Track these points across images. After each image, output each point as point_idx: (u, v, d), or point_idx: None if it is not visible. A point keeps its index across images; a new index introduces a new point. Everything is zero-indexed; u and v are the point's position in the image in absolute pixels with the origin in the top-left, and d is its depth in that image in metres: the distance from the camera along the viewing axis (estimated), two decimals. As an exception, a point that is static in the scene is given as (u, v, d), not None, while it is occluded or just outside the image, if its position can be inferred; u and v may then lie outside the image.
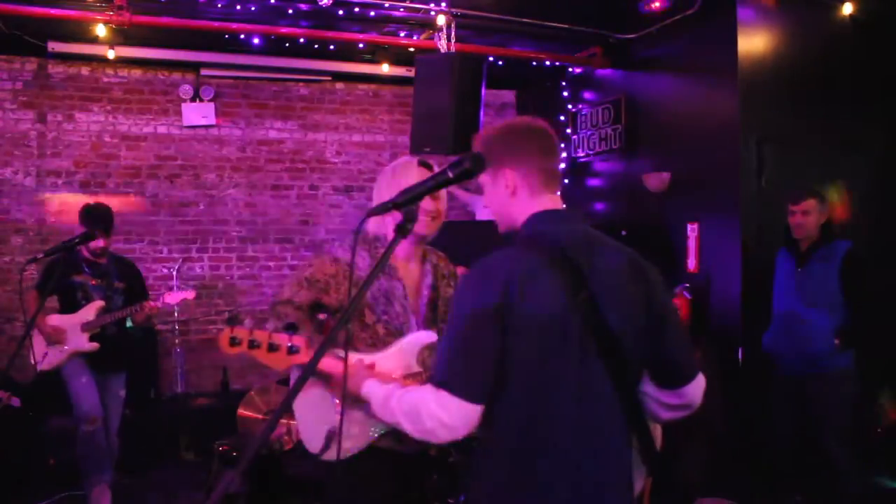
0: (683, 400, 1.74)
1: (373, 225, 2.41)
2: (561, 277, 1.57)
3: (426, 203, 2.30)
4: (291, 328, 1.97)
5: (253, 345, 1.95)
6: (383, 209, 1.57)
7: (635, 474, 1.71)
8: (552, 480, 1.56)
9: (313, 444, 2.18)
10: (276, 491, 3.92)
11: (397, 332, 2.26)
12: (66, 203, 5.94)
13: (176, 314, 5.86)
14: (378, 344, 2.25)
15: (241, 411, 4.57)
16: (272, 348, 1.94)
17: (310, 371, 1.42)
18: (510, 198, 1.72)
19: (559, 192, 1.78)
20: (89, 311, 4.23)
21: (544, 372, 1.55)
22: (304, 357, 1.95)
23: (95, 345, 4.22)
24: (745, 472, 4.41)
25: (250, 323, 2.14)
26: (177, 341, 5.93)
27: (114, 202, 6.04)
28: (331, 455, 2.12)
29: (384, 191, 2.35)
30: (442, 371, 1.57)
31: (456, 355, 1.57)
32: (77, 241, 3.16)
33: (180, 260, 6.14)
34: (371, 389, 1.77)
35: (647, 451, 1.69)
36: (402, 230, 1.52)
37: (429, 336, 2.19)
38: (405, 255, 2.41)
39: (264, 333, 1.95)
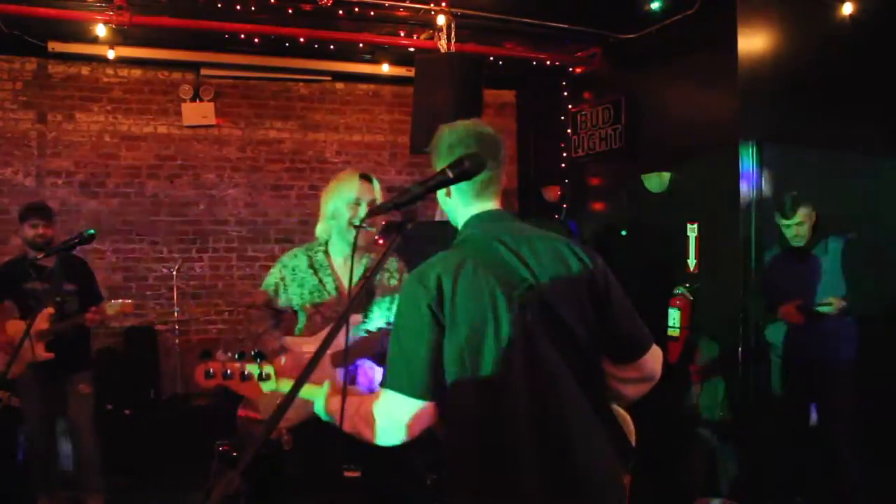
0: (643, 372, 1.76)
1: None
2: (495, 271, 1.60)
3: (361, 211, 2.75)
4: (259, 356, 2.06)
5: (226, 376, 2.04)
6: (383, 209, 1.58)
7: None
8: (518, 480, 1.56)
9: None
10: (276, 491, 3.92)
11: (331, 321, 2.71)
12: (66, 203, 5.95)
13: (176, 314, 5.86)
14: (316, 330, 2.76)
15: (241, 411, 4.57)
16: (244, 378, 2.03)
17: (307, 374, 1.42)
18: (446, 199, 1.81)
19: (497, 197, 1.80)
20: (40, 320, 3.98)
21: (487, 365, 1.57)
22: (275, 383, 2.03)
23: (50, 355, 4.00)
24: (745, 472, 4.41)
25: (222, 355, 2.25)
26: (177, 341, 5.94)
27: (114, 202, 6.10)
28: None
29: (328, 203, 2.89)
30: (389, 373, 1.63)
31: (396, 355, 1.62)
32: (77, 241, 3.15)
33: (180, 260, 6.14)
34: (334, 405, 1.81)
35: (621, 443, 1.71)
36: (401, 230, 1.53)
37: (353, 318, 2.37)
38: (343, 257, 2.87)
39: (235, 365, 2.05)
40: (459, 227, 1.80)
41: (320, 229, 2.94)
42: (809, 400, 4.14)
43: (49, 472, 4.21)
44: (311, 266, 2.88)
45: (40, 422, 4.18)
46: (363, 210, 2.78)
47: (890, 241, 4.84)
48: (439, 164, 1.74)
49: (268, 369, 2.03)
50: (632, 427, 1.82)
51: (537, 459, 1.56)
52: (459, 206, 1.78)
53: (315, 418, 2.56)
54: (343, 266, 2.87)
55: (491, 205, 1.77)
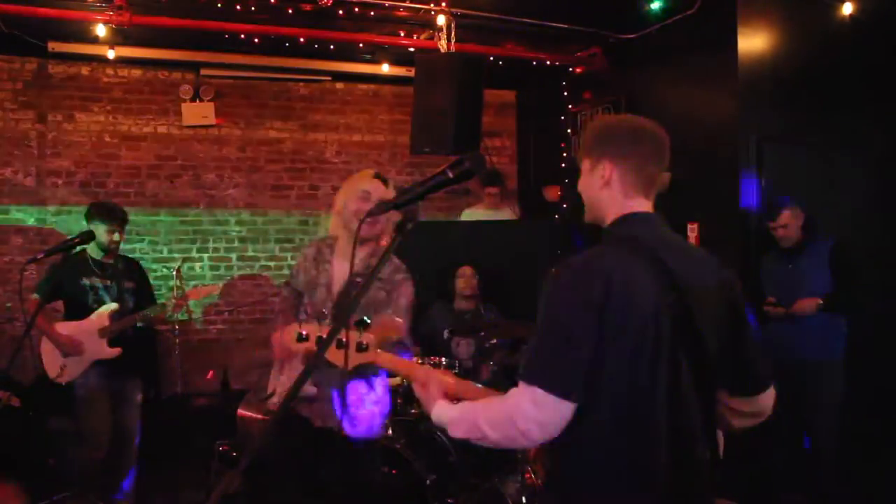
0: (756, 408, 1.74)
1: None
2: (656, 281, 1.55)
3: (368, 206, 2.67)
4: (362, 324, 1.93)
5: (320, 340, 1.93)
6: (383, 209, 1.57)
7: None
8: (643, 480, 1.54)
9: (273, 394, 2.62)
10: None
11: (318, 315, 2.55)
12: (66, 203, 5.95)
13: (180, 314, 5.85)
14: (307, 320, 2.66)
15: (241, 411, 4.57)
16: (340, 345, 1.88)
17: (313, 367, 1.43)
18: (601, 189, 1.73)
19: (652, 199, 1.77)
20: (103, 316, 4.01)
21: (637, 373, 1.52)
22: (372, 356, 1.94)
23: (117, 350, 4.00)
24: (745, 472, 4.41)
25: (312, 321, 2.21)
26: (177, 341, 5.93)
27: (114, 202, 6.08)
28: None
29: (340, 195, 2.83)
30: (536, 368, 1.53)
31: (553, 352, 1.53)
32: (77, 240, 3.15)
33: (180, 260, 6.14)
34: (442, 412, 1.73)
35: (713, 459, 1.66)
36: (402, 230, 1.52)
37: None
38: (343, 253, 2.82)
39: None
40: (604, 217, 1.73)
41: (332, 224, 2.94)
42: (799, 399, 4.19)
43: (96, 474, 4.13)
44: (315, 258, 2.89)
45: (103, 423, 4.07)
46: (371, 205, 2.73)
47: (890, 241, 4.84)
48: (591, 154, 1.73)
49: (366, 339, 1.90)
50: (722, 443, 1.79)
51: (661, 463, 1.54)
52: (619, 198, 1.72)
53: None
54: (343, 262, 2.82)
55: (649, 205, 1.74)
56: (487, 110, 5.78)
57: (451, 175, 1.58)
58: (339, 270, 2.81)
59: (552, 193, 6.43)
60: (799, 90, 4.71)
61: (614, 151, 1.71)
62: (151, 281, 6.06)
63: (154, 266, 6.16)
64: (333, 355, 1.88)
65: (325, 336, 1.91)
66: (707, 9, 4.75)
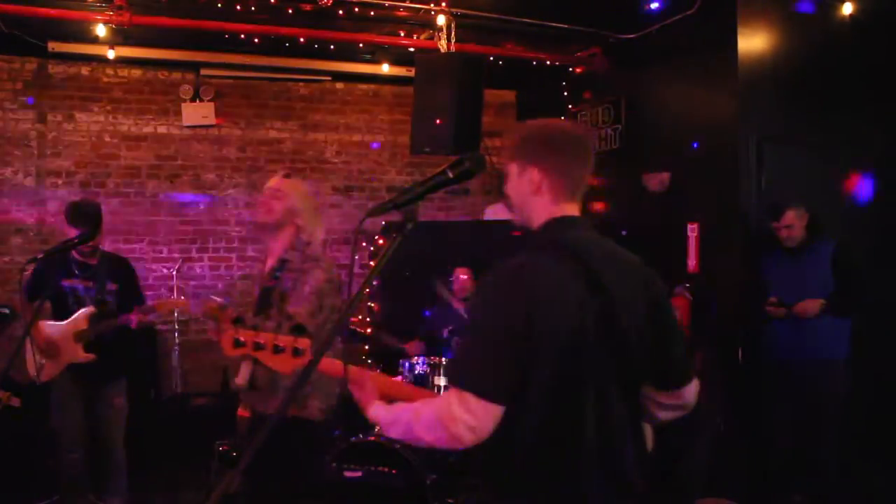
0: (681, 401, 1.80)
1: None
2: (582, 284, 1.59)
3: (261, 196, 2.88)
4: (297, 330, 1.98)
5: (258, 347, 1.95)
6: (383, 209, 1.58)
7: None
8: (570, 482, 1.59)
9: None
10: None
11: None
12: (66, 203, 5.94)
13: (176, 314, 5.86)
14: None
15: (242, 411, 4.57)
16: (277, 350, 1.93)
17: (312, 368, 1.43)
18: (531, 196, 1.74)
19: (579, 202, 1.78)
20: (80, 319, 3.94)
21: (563, 377, 1.57)
22: (308, 359, 1.95)
23: (91, 356, 3.93)
24: (745, 472, 4.41)
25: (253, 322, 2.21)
26: (177, 341, 5.93)
27: (114, 202, 6.09)
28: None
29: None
30: (465, 373, 1.58)
31: (482, 359, 1.58)
32: (76, 241, 3.14)
33: (180, 260, 6.14)
34: (377, 413, 1.77)
35: (640, 453, 1.72)
36: (402, 230, 1.53)
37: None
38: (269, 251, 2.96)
39: (269, 336, 1.96)
40: (533, 222, 1.75)
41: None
42: (801, 398, 4.19)
43: (78, 475, 4.10)
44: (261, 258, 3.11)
45: (74, 427, 4.04)
46: (262, 195, 2.95)
47: (890, 241, 4.84)
48: (519, 159, 1.74)
49: (302, 344, 1.94)
50: (651, 433, 1.85)
51: (590, 461, 1.59)
52: (548, 204, 1.73)
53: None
54: (269, 260, 2.99)
55: (576, 208, 1.76)
56: (487, 110, 5.78)
57: (451, 175, 1.59)
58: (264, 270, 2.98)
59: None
60: (799, 90, 4.71)
61: (542, 158, 1.72)
62: (151, 281, 6.13)
63: (154, 266, 6.16)
64: (271, 361, 1.94)
65: (258, 340, 1.95)
66: (707, 9, 4.75)
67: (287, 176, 2.99)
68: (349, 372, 1.89)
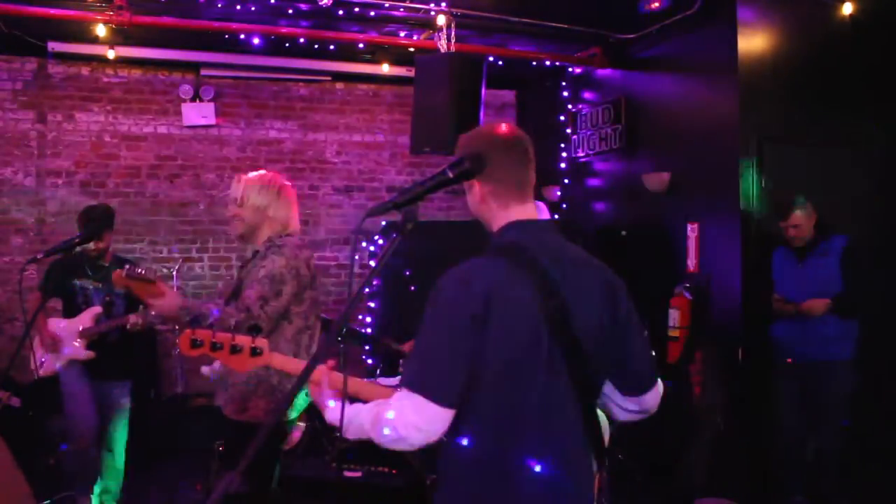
0: (642, 407, 1.81)
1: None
2: (535, 289, 1.60)
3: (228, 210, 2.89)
4: (254, 329, 1.98)
5: (215, 347, 1.94)
6: (383, 209, 1.58)
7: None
8: (521, 482, 1.60)
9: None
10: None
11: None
12: (66, 203, 5.95)
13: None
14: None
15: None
16: (234, 350, 1.93)
17: (311, 368, 1.43)
18: (480, 205, 1.76)
19: (534, 198, 1.79)
20: (86, 318, 4.02)
21: (515, 379, 1.58)
22: (266, 359, 1.96)
23: (91, 353, 3.99)
24: (745, 472, 4.41)
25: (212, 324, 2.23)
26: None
27: (114, 202, 6.06)
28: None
29: None
30: (418, 376, 1.58)
31: (433, 361, 1.58)
32: (77, 240, 3.16)
33: (180, 260, 6.14)
34: (333, 415, 1.77)
35: (597, 447, 1.73)
36: (402, 230, 1.53)
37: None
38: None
39: (226, 335, 1.94)
40: (492, 228, 1.76)
41: None
42: (805, 398, 4.18)
43: (93, 468, 4.16)
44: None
45: (86, 419, 4.09)
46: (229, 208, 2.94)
47: (890, 241, 4.84)
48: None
49: (260, 343, 1.94)
50: (607, 428, 1.85)
51: (537, 463, 1.60)
52: (497, 210, 1.74)
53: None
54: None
55: (531, 208, 1.76)
56: (487, 110, 5.77)
57: (451, 175, 1.60)
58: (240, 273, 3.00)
59: (552, 193, 6.44)
60: (799, 90, 4.71)
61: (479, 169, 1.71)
62: (151, 281, 6.12)
63: (154, 266, 6.16)
64: (228, 360, 1.95)
65: (216, 340, 1.96)
66: (707, 9, 4.75)
67: (237, 178, 2.97)
68: (298, 370, 1.89)
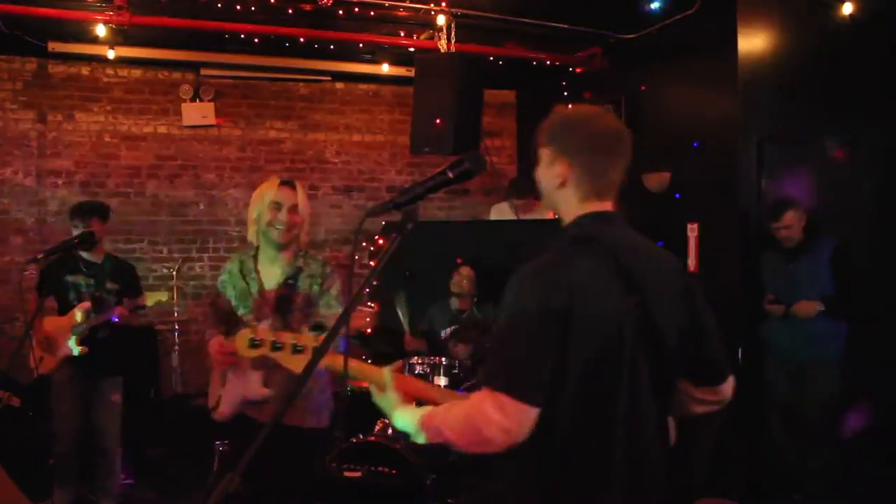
0: (719, 396, 1.76)
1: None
2: (617, 284, 1.55)
3: (281, 215, 2.84)
4: (318, 328, 1.94)
5: (275, 347, 1.85)
6: (383, 209, 1.58)
7: None
8: (600, 481, 1.55)
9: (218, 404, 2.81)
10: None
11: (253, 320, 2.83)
12: (66, 203, 5.94)
13: (176, 314, 5.86)
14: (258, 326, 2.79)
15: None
16: (296, 350, 1.84)
17: (312, 368, 1.43)
18: (557, 188, 1.69)
19: (614, 197, 1.72)
20: (76, 314, 4.01)
21: (599, 376, 1.53)
22: (328, 359, 1.85)
23: (84, 348, 3.98)
24: (745, 472, 4.41)
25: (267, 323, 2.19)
26: (177, 341, 5.93)
27: (114, 202, 6.08)
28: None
29: (252, 207, 2.96)
30: (500, 374, 1.51)
31: (517, 358, 1.51)
32: (77, 240, 3.16)
33: (180, 260, 6.14)
34: (404, 418, 1.70)
35: (665, 450, 1.70)
36: (401, 230, 1.52)
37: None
38: (269, 258, 2.94)
39: (288, 335, 1.89)
40: (562, 214, 1.70)
41: (249, 234, 3.04)
42: (796, 398, 4.22)
43: (71, 469, 4.17)
44: (241, 271, 2.98)
45: (68, 418, 4.12)
46: (283, 213, 2.86)
47: (890, 241, 4.84)
48: (551, 147, 1.68)
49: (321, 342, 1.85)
50: (673, 426, 1.82)
51: (617, 460, 1.56)
52: (573, 201, 1.68)
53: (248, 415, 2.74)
54: (268, 268, 2.95)
55: (608, 205, 1.70)
56: (487, 110, 5.78)
57: (451, 175, 1.59)
58: (268, 276, 2.93)
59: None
60: (799, 90, 4.71)
61: (573, 153, 1.66)
62: (151, 281, 6.13)
63: (154, 266, 6.16)
64: (288, 361, 1.85)
65: (277, 340, 1.88)
66: (707, 9, 4.75)
67: (290, 184, 2.95)
68: (371, 373, 1.81)
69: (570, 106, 1.75)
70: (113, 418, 4.23)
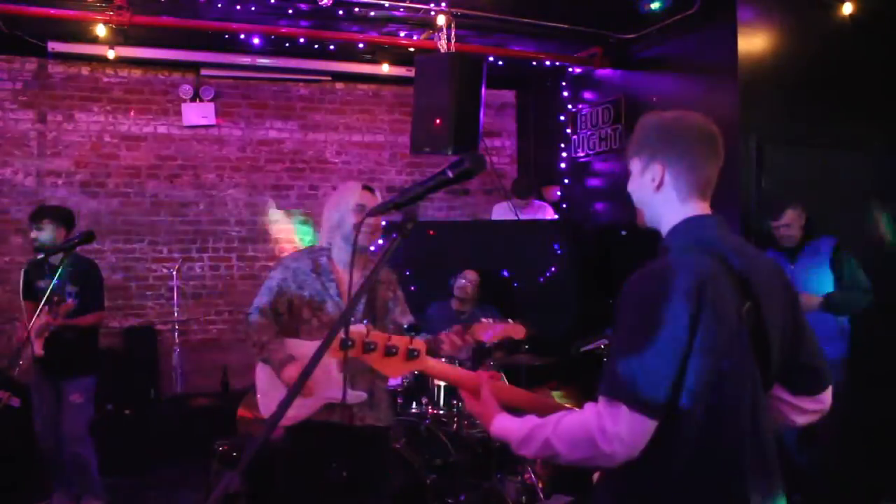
0: (820, 405, 1.71)
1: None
2: (731, 286, 1.49)
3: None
4: (413, 329, 1.91)
5: (368, 348, 1.77)
6: (383, 209, 1.58)
7: None
8: (735, 489, 1.50)
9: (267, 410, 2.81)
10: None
11: (328, 326, 2.73)
12: (66, 203, 5.94)
13: (176, 314, 5.86)
14: (314, 334, 2.78)
15: (241, 411, 4.57)
16: (389, 352, 1.77)
17: (311, 369, 1.42)
18: (654, 193, 1.63)
19: (709, 201, 1.66)
20: (41, 317, 3.93)
21: (721, 386, 1.46)
22: (422, 362, 1.80)
23: (39, 352, 3.94)
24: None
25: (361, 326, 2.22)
26: (177, 341, 5.93)
27: (114, 202, 6.10)
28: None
29: (332, 211, 2.89)
30: (620, 383, 1.42)
31: (638, 367, 1.41)
32: (76, 241, 3.16)
33: (180, 260, 6.14)
34: (505, 428, 1.61)
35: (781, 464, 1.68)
36: (401, 230, 1.52)
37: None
38: (344, 261, 2.88)
39: (382, 335, 1.79)
40: (660, 221, 1.65)
41: (323, 237, 2.96)
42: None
43: (59, 468, 4.23)
44: (315, 270, 2.88)
45: (44, 419, 4.21)
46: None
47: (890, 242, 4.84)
48: (641, 155, 1.64)
49: (417, 345, 1.78)
50: None
51: (753, 481, 1.53)
52: (674, 202, 1.61)
53: (315, 420, 2.71)
54: (346, 271, 2.88)
55: (707, 207, 1.63)
56: (487, 110, 5.78)
57: (451, 175, 1.58)
58: (347, 280, 2.86)
59: (552, 193, 6.44)
60: (799, 90, 4.71)
61: (667, 152, 1.61)
62: (151, 281, 6.13)
63: (154, 266, 6.17)
64: (380, 364, 1.78)
65: (372, 341, 1.78)
66: (707, 9, 4.75)
67: (371, 189, 2.92)
68: (464, 379, 1.75)
69: (652, 114, 1.69)
70: (75, 419, 4.22)
